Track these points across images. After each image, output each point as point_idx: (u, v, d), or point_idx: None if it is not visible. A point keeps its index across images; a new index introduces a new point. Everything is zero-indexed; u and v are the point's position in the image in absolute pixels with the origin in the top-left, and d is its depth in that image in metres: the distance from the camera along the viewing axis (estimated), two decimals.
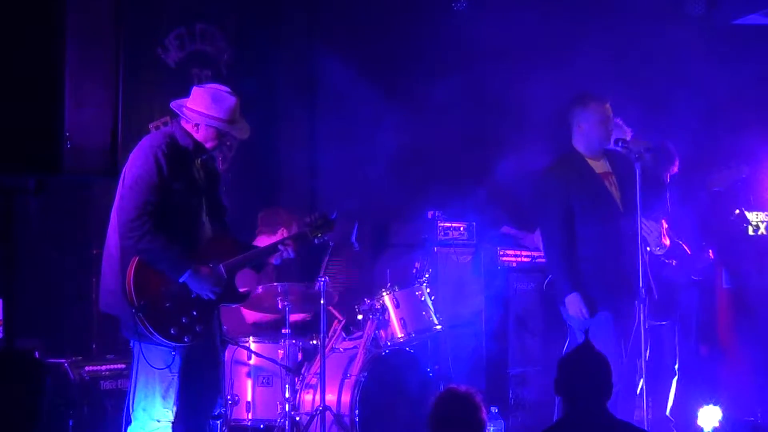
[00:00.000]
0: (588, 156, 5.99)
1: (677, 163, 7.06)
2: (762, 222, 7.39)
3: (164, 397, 5.08)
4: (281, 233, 7.05)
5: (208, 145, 5.25)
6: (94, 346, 6.65)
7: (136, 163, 5.08)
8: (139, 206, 5.01)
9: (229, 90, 5.29)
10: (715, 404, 6.91)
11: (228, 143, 5.50)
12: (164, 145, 5.12)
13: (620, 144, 5.87)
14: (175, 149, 5.15)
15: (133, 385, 5.09)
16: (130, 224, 5.01)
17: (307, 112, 8.61)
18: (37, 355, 5.72)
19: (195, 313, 5.14)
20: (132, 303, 4.98)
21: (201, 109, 5.21)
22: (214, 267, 5.18)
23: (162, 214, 5.06)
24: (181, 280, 5.08)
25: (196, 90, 5.31)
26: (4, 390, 3.66)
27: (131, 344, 5.17)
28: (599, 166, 6.00)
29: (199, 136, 5.22)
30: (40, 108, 4.06)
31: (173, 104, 5.31)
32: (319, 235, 5.61)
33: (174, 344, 5.07)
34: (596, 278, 5.89)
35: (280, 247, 5.43)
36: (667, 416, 6.94)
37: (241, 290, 5.42)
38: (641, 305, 6.09)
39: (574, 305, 5.89)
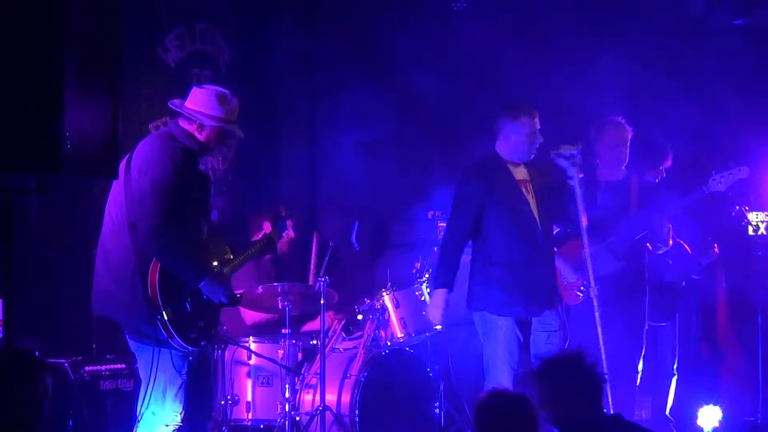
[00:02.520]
0: (509, 162, 6.04)
1: (671, 156, 7.06)
2: (762, 222, 7.38)
3: (174, 401, 5.08)
4: (265, 225, 7.14)
5: (211, 146, 5.25)
6: (94, 346, 6.63)
7: (154, 167, 5.03)
8: (162, 211, 4.98)
9: (228, 92, 5.30)
10: (715, 404, 6.91)
11: (228, 143, 5.52)
12: (177, 149, 5.10)
13: (552, 153, 5.94)
14: (185, 153, 5.14)
15: (144, 389, 5.07)
16: (155, 230, 4.97)
17: (307, 112, 8.61)
18: (37, 355, 5.73)
19: (208, 317, 5.16)
20: (157, 308, 4.96)
21: (206, 110, 5.20)
22: (223, 272, 5.21)
23: (176, 217, 5.05)
24: (199, 285, 5.08)
25: (196, 90, 5.29)
26: (4, 390, 3.66)
27: (132, 347, 5.15)
28: (519, 172, 6.04)
29: (202, 136, 5.21)
30: (40, 108, 4.06)
31: (172, 104, 5.29)
32: (279, 233, 5.84)
33: (191, 348, 5.07)
34: (507, 284, 5.93)
35: (266, 247, 5.59)
36: (666, 416, 6.94)
37: (237, 292, 5.44)
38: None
39: (437, 300, 5.99)
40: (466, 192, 6.05)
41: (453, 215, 6.12)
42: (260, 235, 7.09)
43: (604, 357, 5.78)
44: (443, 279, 6.00)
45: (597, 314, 5.84)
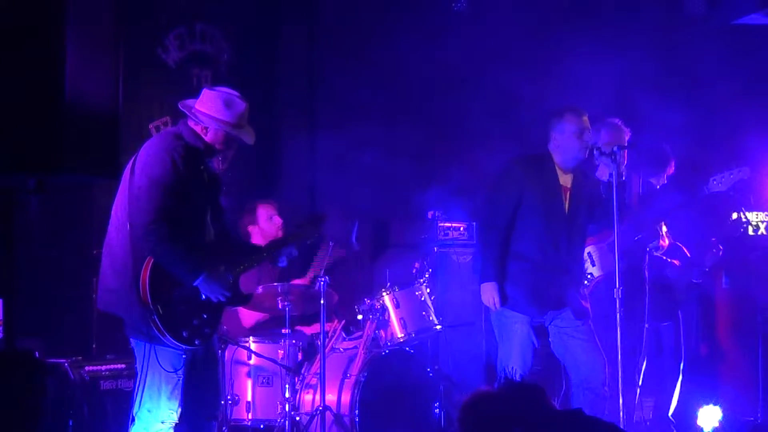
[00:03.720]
0: (559, 165, 6.05)
1: (673, 165, 7.06)
2: (762, 222, 7.38)
3: (169, 399, 5.07)
4: (252, 231, 7.18)
5: (218, 148, 5.25)
6: (94, 346, 6.64)
7: (153, 165, 5.04)
8: (157, 209, 4.98)
9: (239, 95, 5.28)
10: (715, 404, 6.91)
11: (234, 147, 5.50)
12: (180, 148, 5.09)
13: (595, 151, 5.93)
14: (188, 152, 5.13)
15: (139, 386, 5.08)
16: (148, 227, 4.97)
17: (307, 112, 8.61)
18: (37, 355, 5.72)
19: (205, 315, 5.15)
20: (146, 305, 4.96)
21: (212, 112, 5.19)
22: (223, 271, 5.19)
23: (174, 216, 5.04)
24: (195, 284, 5.09)
25: (207, 92, 5.28)
26: (4, 390, 3.65)
27: (132, 344, 5.16)
28: (564, 178, 6.05)
29: (207, 138, 5.21)
30: (40, 107, 4.06)
31: (181, 105, 5.28)
32: (311, 235, 5.65)
33: (185, 347, 5.07)
34: (518, 278, 5.94)
35: (282, 250, 5.47)
36: (669, 418, 6.93)
37: (244, 292, 5.43)
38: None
39: (488, 293, 5.94)
40: (510, 177, 6.05)
41: (491, 200, 6.08)
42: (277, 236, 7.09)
43: (620, 358, 5.76)
44: (488, 271, 5.94)
45: (618, 316, 5.81)
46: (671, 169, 7.03)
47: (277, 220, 7.19)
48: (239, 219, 7.24)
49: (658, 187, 6.97)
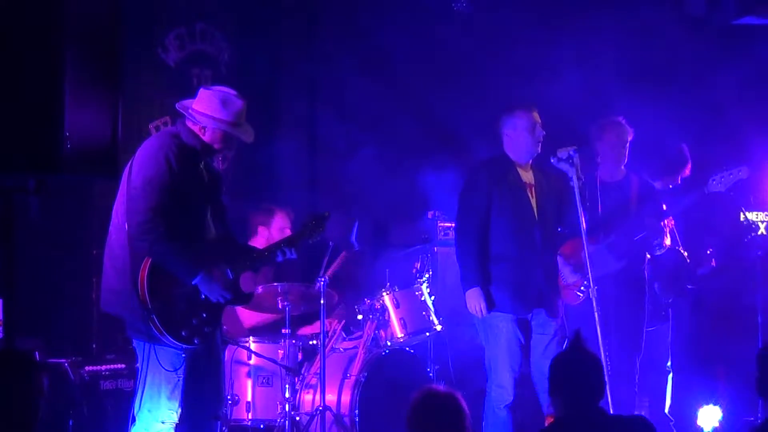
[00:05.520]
0: (517, 163, 6.06)
1: (689, 166, 7.07)
2: (762, 222, 7.38)
3: (169, 399, 5.07)
4: (261, 232, 7.11)
5: (216, 147, 5.25)
6: (94, 346, 6.65)
7: (147, 164, 5.04)
8: (151, 208, 4.98)
9: (236, 93, 5.27)
10: (715, 404, 6.91)
11: (233, 146, 5.49)
12: (174, 147, 5.10)
13: (552, 159, 5.95)
14: (184, 150, 5.13)
15: (140, 386, 5.08)
16: (143, 226, 4.98)
17: (307, 112, 8.61)
18: (37, 355, 5.73)
19: (204, 315, 5.15)
20: (145, 305, 4.97)
21: (209, 112, 5.18)
22: (223, 269, 5.18)
23: (170, 215, 5.04)
24: (193, 283, 5.08)
25: (203, 92, 5.27)
26: (3, 390, 3.65)
27: (134, 344, 5.17)
28: (525, 176, 6.09)
29: (205, 138, 5.20)
30: (40, 108, 4.07)
31: (179, 105, 5.28)
32: (314, 234, 5.62)
33: (184, 346, 5.07)
34: (500, 279, 5.97)
35: (284, 249, 5.45)
36: (666, 414, 6.94)
37: (245, 291, 5.42)
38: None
39: (473, 300, 5.96)
40: (475, 183, 6.10)
41: (462, 207, 6.12)
42: (261, 239, 7.10)
43: (603, 357, 5.78)
44: (470, 277, 5.97)
45: (596, 315, 5.85)
46: (687, 171, 7.04)
47: (287, 234, 7.16)
48: (251, 215, 7.22)
49: (670, 187, 6.98)
